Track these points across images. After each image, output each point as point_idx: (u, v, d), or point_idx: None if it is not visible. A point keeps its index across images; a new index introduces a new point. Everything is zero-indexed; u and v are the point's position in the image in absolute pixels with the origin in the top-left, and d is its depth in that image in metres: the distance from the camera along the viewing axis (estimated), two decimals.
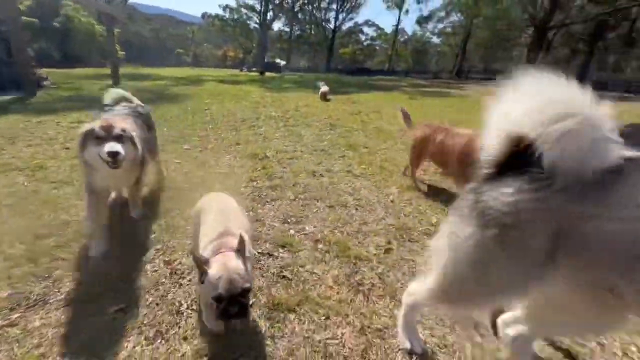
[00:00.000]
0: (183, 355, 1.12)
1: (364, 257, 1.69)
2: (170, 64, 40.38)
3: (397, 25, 36.01)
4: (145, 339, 1.17)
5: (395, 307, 1.35)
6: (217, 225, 1.11)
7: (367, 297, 1.42)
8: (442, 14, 31.28)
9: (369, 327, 1.26)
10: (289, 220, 2.06)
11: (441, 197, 2.51)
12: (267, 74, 21.01)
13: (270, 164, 3.10)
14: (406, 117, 2.82)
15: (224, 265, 0.94)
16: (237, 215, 1.22)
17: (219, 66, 41.69)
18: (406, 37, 49.57)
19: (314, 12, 37.74)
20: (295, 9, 35.36)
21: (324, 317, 1.30)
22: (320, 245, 1.79)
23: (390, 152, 3.74)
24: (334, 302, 1.38)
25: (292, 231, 1.94)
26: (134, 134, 1.65)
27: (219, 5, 39.70)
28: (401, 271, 1.61)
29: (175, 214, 2.06)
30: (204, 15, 42.64)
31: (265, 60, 34.91)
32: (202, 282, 0.97)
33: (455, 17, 32.07)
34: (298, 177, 2.81)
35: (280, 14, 35.42)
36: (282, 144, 3.88)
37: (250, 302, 1.27)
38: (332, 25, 37.07)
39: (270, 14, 31.21)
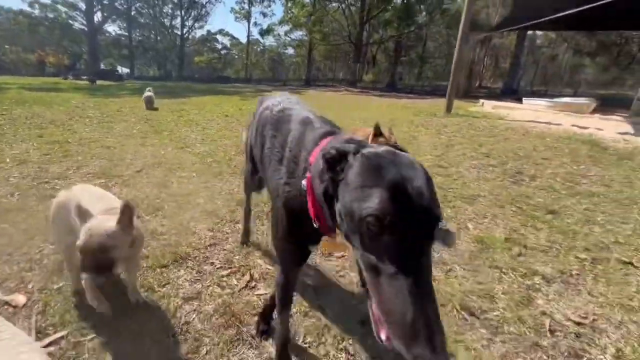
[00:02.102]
0: None
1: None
2: None
3: (248, 36, 38.34)
4: None
5: None
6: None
7: None
8: (287, 27, 35.34)
9: None
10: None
11: None
12: (102, 82, 19.24)
13: (70, 147, 3.97)
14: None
15: (92, 223, 1.06)
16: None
17: (35, 74, 34.10)
18: (262, 47, 53.06)
19: (158, 16, 36.01)
20: (132, 12, 32.86)
21: None
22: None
23: (187, 134, 5.13)
24: None
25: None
26: None
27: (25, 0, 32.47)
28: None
29: None
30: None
31: (102, 67, 31.13)
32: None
33: (300, 31, 36.88)
34: (93, 150, 3.84)
35: (114, 16, 32.24)
36: (89, 134, 4.71)
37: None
38: (179, 32, 36.22)
39: (98, 15, 28.11)
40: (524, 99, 11.72)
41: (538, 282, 1.68)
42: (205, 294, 1.50)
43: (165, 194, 2.60)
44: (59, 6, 31.10)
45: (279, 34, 38.16)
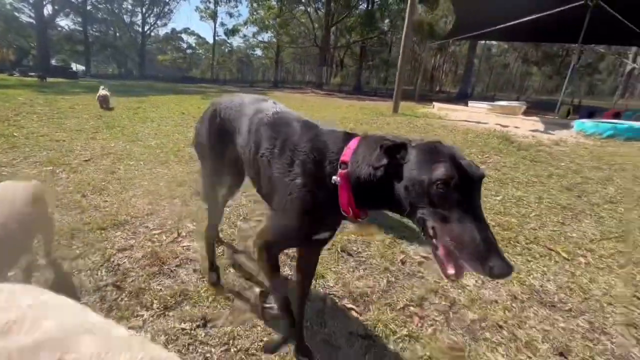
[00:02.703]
0: None
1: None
2: None
3: (214, 36, 37.89)
4: None
5: None
6: None
7: None
8: (255, 29, 35.40)
9: None
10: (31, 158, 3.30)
11: None
12: (54, 79, 18.29)
13: (17, 140, 4.06)
14: None
15: None
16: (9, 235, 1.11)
17: None
18: (230, 48, 52.51)
19: (116, 12, 34.57)
20: (88, 7, 31.35)
21: None
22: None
23: (141, 129, 5.32)
24: None
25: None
26: None
27: None
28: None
29: None
30: None
31: (53, 63, 29.33)
32: None
33: (267, 33, 37.10)
34: (42, 143, 3.96)
35: (67, 10, 30.55)
36: (38, 129, 4.76)
37: None
38: (140, 29, 35.03)
39: (49, 8, 26.57)
40: (469, 102, 12.90)
41: (406, 234, 2.21)
42: (137, 246, 1.86)
43: (111, 178, 2.89)
44: None
45: (246, 35, 38.11)
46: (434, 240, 0.76)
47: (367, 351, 1.29)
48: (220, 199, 1.54)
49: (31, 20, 28.59)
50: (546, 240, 2.26)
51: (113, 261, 1.71)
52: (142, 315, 1.37)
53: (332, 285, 1.67)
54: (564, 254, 2.09)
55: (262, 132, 1.14)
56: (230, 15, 36.01)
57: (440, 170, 0.72)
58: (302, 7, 29.53)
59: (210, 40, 41.76)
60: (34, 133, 4.47)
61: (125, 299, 1.45)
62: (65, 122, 5.33)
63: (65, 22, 34.48)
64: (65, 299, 0.60)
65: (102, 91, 7.48)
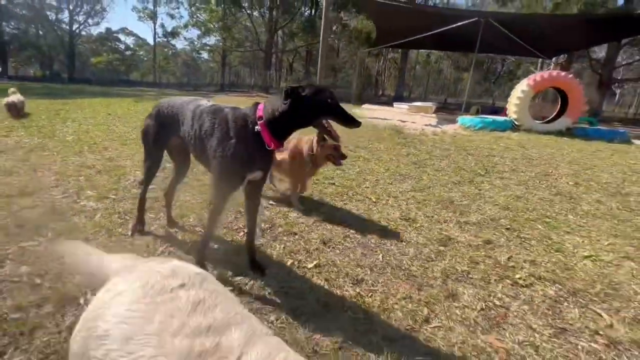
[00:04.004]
0: None
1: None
2: None
3: (154, 37, 36.60)
4: None
5: None
6: None
7: None
8: (199, 31, 34.91)
9: None
10: None
11: None
12: None
13: None
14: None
15: None
16: None
17: None
18: (173, 50, 50.88)
19: (37, 8, 31.87)
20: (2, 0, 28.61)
21: None
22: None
23: (60, 128, 5.57)
24: None
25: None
26: None
27: None
28: None
29: None
30: None
31: None
32: None
33: (213, 37, 36.79)
34: None
35: None
36: None
37: None
38: (68, 28, 32.68)
39: None
40: (394, 103, 14.48)
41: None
42: (40, 205, 2.43)
43: (21, 165, 3.32)
44: None
45: (190, 38, 37.33)
46: (327, 128, 1.68)
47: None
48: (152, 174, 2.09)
49: None
50: (369, 193, 3.23)
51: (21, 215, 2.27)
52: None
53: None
54: (373, 198, 3.06)
55: (204, 116, 1.68)
56: (172, 16, 35.25)
57: (326, 94, 1.56)
58: (245, 12, 29.97)
59: (151, 42, 40.26)
60: None
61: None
62: None
63: None
64: (227, 290, 0.70)
65: (13, 96, 6.28)
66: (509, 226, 2.65)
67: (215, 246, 2.10)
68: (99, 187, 2.84)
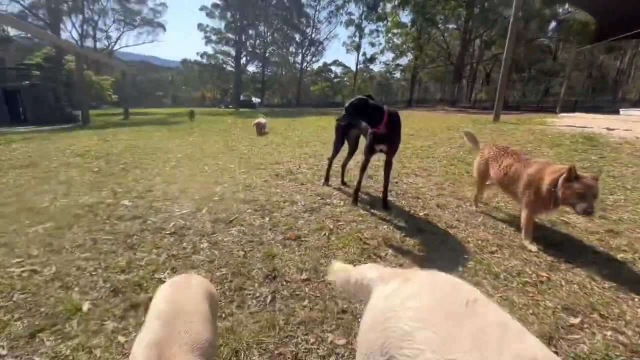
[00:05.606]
0: None
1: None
2: (150, 106, 45.55)
3: (356, 65, 43.50)
4: None
5: None
6: (148, 349, 0.77)
7: None
8: (392, 54, 38.69)
9: None
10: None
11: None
12: (242, 109, 26.45)
13: (229, 137, 7.86)
14: (470, 138, 3.14)
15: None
16: (194, 321, 0.88)
17: (199, 106, 47.65)
18: (371, 73, 58.18)
19: (284, 55, 44.93)
20: (267, 55, 42.30)
21: None
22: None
23: (289, 133, 8.63)
24: None
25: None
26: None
27: (197, 53, 46.73)
28: None
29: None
30: (183, 61, 49.16)
31: (241, 98, 40.84)
32: None
33: (405, 58, 39.81)
34: (242, 138, 7.61)
35: (254, 59, 42.24)
36: (240, 134, 8.69)
37: None
38: (299, 67, 44.22)
39: (244, 59, 37.72)
40: (621, 110, 11.45)
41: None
42: (293, 175, 4.54)
43: (272, 150, 5.86)
44: (218, 55, 43.00)
45: (385, 62, 41.78)
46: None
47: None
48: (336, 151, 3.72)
49: (232, 69, 41.08)
50: None
51: (294, 170, 4.41)
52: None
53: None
54: None
55: (368, 107, 2.83)
56: (372, 44, 40.88)
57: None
58: (438, 27, 30.72)
59: (354, 69, 47.94)
60: (238, 135, 8.35)
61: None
62: (252, 130, 9.27)
63: (251, 68, 47.46)
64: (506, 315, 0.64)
65: (261, 119, 8.68)
66: None
67: (364, 195, 3.41)
68: (309, 163, 4.80)
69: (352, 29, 41.55)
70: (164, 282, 1.78)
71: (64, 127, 10.54)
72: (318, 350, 1.40)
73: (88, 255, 2.13)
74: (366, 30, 40.31)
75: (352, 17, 40.22)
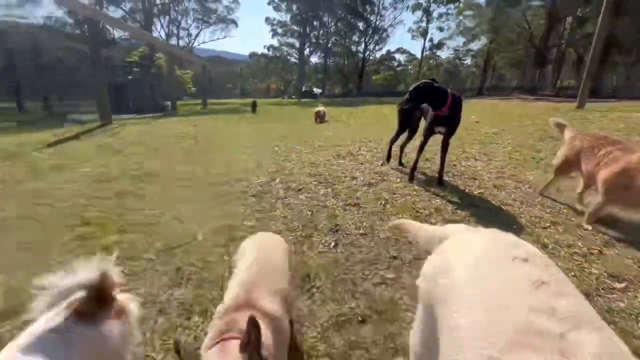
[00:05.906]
0: None
1: None
2: (222, 97, 49.32)
3: (422, 52, 41.50)
4: None
5: None
6: (239, 288, 0.91)
7: None
8: (462, 39, 36.01)
9: None
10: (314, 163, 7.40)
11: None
12: (304, 100, 27.41)
13: (295, 125, 8.46)
14: (559, 126, 2.93)
15: None
16: (275, 271, 1.04)
17: (264, 97, 50.50)
18: (437, 60, 54.86)
19: (347, 45, 44.84)
20: (329, 45, 42.68)
21: None
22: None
23: (352, 121, 8.94)
24: None
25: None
26: None
27: (264, 46, 49.32)
28: None
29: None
30: (251, 54, 52.18)
31: (303, 89, 42.05)
32: None
33: (477, 42, 36.71)
34: (301, 126, 8.15)
35: (317, 50, 43.01)
36: (303, 121, 9.27)
37: None
38: (361, 56, 43.72)
39: (307, 50, 38.68)
40: None
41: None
42: (353, 157, 4.92)
43: (336, 135, 6.25)
44: (283, 47, 44.71)
45: (454, 47, 39.13)
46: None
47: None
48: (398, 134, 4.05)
49: (295, 61, 42.45)
50: None
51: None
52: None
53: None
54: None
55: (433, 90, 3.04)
56: (440, 29, 38.45)
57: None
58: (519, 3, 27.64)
59: (419, 56, 45.83)
60: (301, 123, 8.92)
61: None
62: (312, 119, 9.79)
63: (314, 59, 48.39)
64: (573, 285, 0.60)
65: (320, 108, 9.40)
66: None
67: (420, 175, 3.61)
68: (369, 147, 5.08)
69: (419, 13, 39.61)
70: (251, 226, 2.39)
71: (158, 115, 12.38)
72: (372, 280, 1.76)
73: (196, 207, 2.77)
74: (434, 14, 38.14)
75: (420, 0, 38.27)
